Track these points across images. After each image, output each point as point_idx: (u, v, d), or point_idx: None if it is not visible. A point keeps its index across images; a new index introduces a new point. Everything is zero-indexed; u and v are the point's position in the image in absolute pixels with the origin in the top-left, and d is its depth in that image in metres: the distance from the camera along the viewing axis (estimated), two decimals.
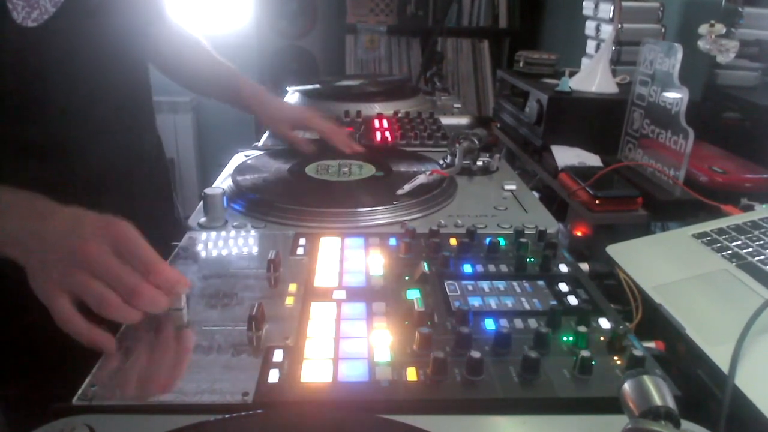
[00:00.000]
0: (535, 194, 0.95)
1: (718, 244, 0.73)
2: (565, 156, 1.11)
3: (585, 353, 0.48)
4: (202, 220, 0.78)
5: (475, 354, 0.48)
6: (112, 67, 0.77)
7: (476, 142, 1.01)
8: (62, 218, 0.54)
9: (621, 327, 0.54)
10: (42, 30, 0.66)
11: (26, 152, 0.71)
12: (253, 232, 0.75)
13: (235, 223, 0.77)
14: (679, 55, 0.95)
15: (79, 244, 0.51)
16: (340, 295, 0.60)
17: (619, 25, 1.27)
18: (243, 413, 0.43)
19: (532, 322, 0.56)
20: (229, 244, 0.72)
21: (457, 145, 0.99)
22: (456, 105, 1.51)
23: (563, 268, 0.67)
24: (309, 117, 1.05)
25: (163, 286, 0.52)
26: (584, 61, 1.44)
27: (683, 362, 0.57)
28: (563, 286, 0.63)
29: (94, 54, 0.73)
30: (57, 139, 0.73)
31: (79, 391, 0.46)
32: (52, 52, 0.68)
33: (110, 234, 0.52)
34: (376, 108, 1.36)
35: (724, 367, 0.52)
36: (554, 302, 0.60)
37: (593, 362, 0.49)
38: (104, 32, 0.74)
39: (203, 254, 0.69)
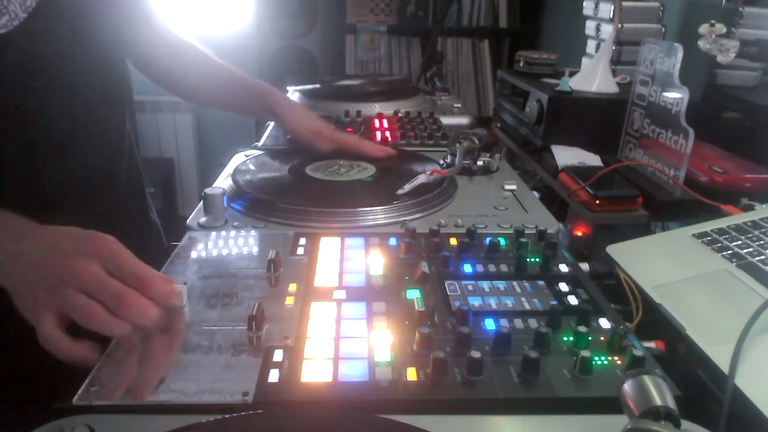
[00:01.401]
0: (536, 194, 0.94)
1: (719, 244, 0.73)
2: (565, 156, 1.11)
3: (585, 353, 0.48)
4: (202, 220, 0.78)
5: (475, 354, 0.48)
6: (88, 71, 0.75)
7: (476, 142, 1.01)
8: (41, 236, 0.53)
9: (621, 327, 0.54)
10: (11, 35, 0.64)
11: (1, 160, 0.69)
12: (253, 232, 0.75)
13: (235, 223, 0.77)
14: (680, 55, 0.95)
15: (65, 261, 0.49)
16: (340, 295, 0.60)
17: (620, 25, 1.27)
18: (243, 413, 0.43)
19: (533, 322, 0.56)
20: (229, 244, 0.72)
21: (457, 145, 0.99)
22: (456, 105, 1.51)
23: (563, 268, 0.67)
24: (333, 133, 1.01)
25: (156, 298, 0.51)
26: (584, 60, 1.44)
27: (683, 362, 0.57)
28: (563, 286, 0.63)
29: (67, 58, 0.71)
30: (31, 145, 0.70)
31: (79, 391, 0.46)
32: (23, 57, 0.66)
33: (95, 249, 0.50)
34: (376, 108, 1.36)
35: (724, 367, 0.52)
36: (554, 302, 0.60)
37: (593, 362, 0.49)
38: (78, 36, 0.72)
39: (203, 254, 0.69)
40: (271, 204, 0.80)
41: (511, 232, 0.74)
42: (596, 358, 0.50)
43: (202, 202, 0.78)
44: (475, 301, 0.59)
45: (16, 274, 0.51)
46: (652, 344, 0.57)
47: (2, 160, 0.69)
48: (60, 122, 0.73)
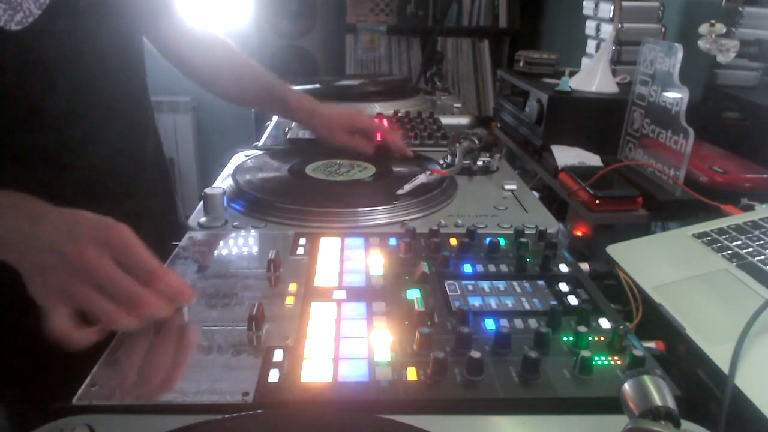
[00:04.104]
0: (535, 194, 0.94)
1: (718, 244, 0.73)
2: (565, 156, 1.11)
3: (585, 353, 0.48)
4: (202, 220, 0.78)
5: (475, 354, 0.48)
6: (105, 67, 0.76)
7: (476, 141, 1.01)
8: (56, 220, 0.52)
9: (621, 327, 0.54)
10: (27, 33, 0.64)
11: (22, 155, 0.70)
12: (253, 232, 0.75)
13: (235, 223, 0.77)
14: (680, 55, 0.95)
15: (76, 249, 0.49)
16: (340, 295, 0.60)
17: (620, 25, 1.27)
18: (243, 413, 0.43)
19: (533, 322, 0.56)
20: (229, 244, 0.72)
21: (457, 144, 0.99)
22: (456, 105, 1.51)
23: (563, 268, 0.67)
24: (363, 117, 1.02)
25: (165, 293, 0.51)
26: (584, 60, 1.44)
27: (683, 362, 0.57)
28: (563, 286, 0.63)
29: (85, 55, 0.72)
30: (53, 142, 0.71)
31: (79, 391, 0.46)
32: (39, 54, 0.67)
33: (108, 238, 0.50)
34: (376, 108, 1.36)
35: (724, 367, 0.52)
36: (554, 302, 0.60)
37: (593, 362, 0.49)
38: (94, 33, 0.72)
39: (203, 254, 0.69)
40: (271, 204, 0.80)
41: (511, 232, 0.74)
42: (596, 358, 0.50)
43: (202, 202, 0.78)
44: (475, 301, 0.59)
45: (29, 256, 0.51)
46: (652, 344, 0.57)
47: (26, 154, 0.70)
48: (82, 118, 0.74)
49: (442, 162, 0.98)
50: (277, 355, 0.50)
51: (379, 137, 1.00)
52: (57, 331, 0.49)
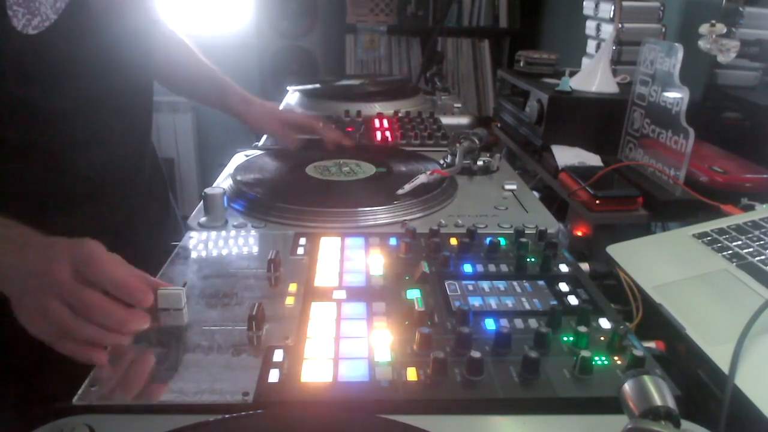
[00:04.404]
0: (536, 194, 0.95)
1: (719, 244, 0.73)
2: (566, 156, 1.11)
3: (585, 353, 0.48)
4: (202, 220, 0.78)
5: (475, 354, 0.48)
6: (114, 71, 0.77)
7: (476, 141, 1.01)
8: (36, 246, 0.53)
9: (621, 327, 0.54)
10: (43, 36, 0.65)
11: (23, 155, 0.70)
12: (253, 232, 0.75)
13: (235, 223, 0.77)
14: (680, 55, 0.95)
15: (46, 267, 0.50)
16: (340, 295, 0.60)
17: (620, 25, 1.27)
18: (243, 413, 0.43)
19: (533, 322, 0.56)
20: (229, 244, 0.72)
21: (458, 144, 0.99)
22: (456, 105, 1.51)
23: (563, 268, 0.67)
24: (295, 113, 1.08)
25: (128, 299, 0.51)
26: (584, 60, 1.44)
27: (683, 362, 0.57)
28: (563, 286, 0.63)
29: (95, 59, 0.72)
30: (55, 142, 0.72)
31: (79, 391, 0.46)
32: (53, 57, 0.67)
33: (75, 253, 0.51)
34: (376, 108, 1.36)
35: (724, 367, 0.52)
36: (554, 302, 0.60)
37: (593, 362, 0.49)
38: (106, 37, 0.73)
39: (203, 254, 0.69)
40: (271, 204, 0.80)
41: (511, 232, 0.74)
42: (596, 358, 0.50)
43: (202, 202, 0.79)
44: (475, 301, 0.59)
45: (16, 284, 0.52)
46: (652, 344, 0.57)
47: (27, 154, 0.70)
48: (85, 119, 0.74)
49: (442, 162, 0.98)
50: (277, 355, 0.50)
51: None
52: (57, 347, 0.50)
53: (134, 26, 0.80)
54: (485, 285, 0.62)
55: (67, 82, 0.70)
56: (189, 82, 1.06)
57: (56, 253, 0.51)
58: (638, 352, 0.49)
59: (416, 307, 0.56)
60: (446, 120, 1.33)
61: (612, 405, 0.42)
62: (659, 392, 0.39)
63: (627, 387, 0.40)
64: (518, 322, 0.56)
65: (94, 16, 0.71)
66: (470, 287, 0.62)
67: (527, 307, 0.59)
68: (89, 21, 0.70)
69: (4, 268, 0.53)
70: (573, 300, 0.60)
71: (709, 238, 0.75)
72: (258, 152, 1.05)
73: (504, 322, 0.56)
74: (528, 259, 0.66)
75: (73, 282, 0.50)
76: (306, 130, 1.05)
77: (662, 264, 0.72)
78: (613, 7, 1.27)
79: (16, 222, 0.56)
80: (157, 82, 1.02)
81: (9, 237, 0.55)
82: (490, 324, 0.55)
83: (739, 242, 0.72)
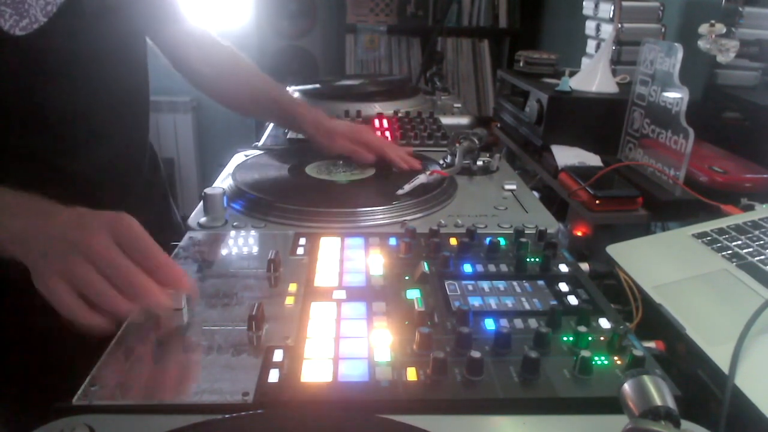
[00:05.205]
0: (535, 194, 0.94)
1: (718, 244, 0.73)
2: (565, 156, 1.11)
3: (585, 353, 0.48)
4: (202, 220, 0.78)
5: (475, 354, 0.48)
6: (110, 73, 0.77)
7: (476, 141, 1.01)
8: (67, 215, 0.53)
9: (621, 327, 0.54)
10: (30, 38, 0.65)
11: (20, 156, 0.70)
12: (253, 232, 0.75)
13: (235, 223, 0.77)
14: (680, 55, 0.95)
15: (84, 236, 0.50)
16: (340, 295, 0.60)
17: (619, 25, 1.27)
18: (243, 413, 0.43)
19: (532, 322, 0.56)
20: (229, 244, 0.72)
21: (457, 144, 0.99)
22: (456, 105, 1.51)
23: (563, 268, 0.67)
24: (368, 132, 0.99)
25: (164, 281, 0.51)
26: (584, 60, 1.44)
27: (683, 362, 0.57)
28: (563, 286, 0.62)
29: (90, 61, 0.72)
30: (52, 143, 0.72)
31: (79, 391, 0.46)
32: (44, 60, 0.67)
33: (116, 228, 0.51)
34: (376, 108, 1.36)
35: (724, 367, 0.52)
36: (554, 302, 0.59)
37: (593, 362, 0.49)
38: (99, 40, 0.73)
39: (203, 254, 0.69)
40: (271, 204, 0.80)
41: (511, 232, 0.74)
42: (596, 358, 0.50)
43: (202, 202, 0.78)
44: (475, 301, 0.59)
45: (38, 246, 0.52)
46: (652, 344, 0.57)
47: (25, 154, 0.70)
48: (83, 119, 0.74)
49: (442, 162, 0.98)
50: (277, 355, 0.50)
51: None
52: (65, 309, 0.49)
53: (130, 29, 0.79)
54: (485, 285, 0.62)
55: (59, 83, 0.70)
56: (252, 102, 1.02)
57: (93, 221, 0.51)
58: (638, 352, 0.49)
59: (416, 307, 0.56)
60: (446, 120, 1.33)
61: (612, 405, 0.42)
62: (659, 392, 0.39)
63: (627, 387, 0.40)
64: (518, 322, 0.56)
65: (87, 20, 0.70)
66: (470, 287, 0.62)
67: (527, 307, 0.59)
68: (83, 24, 0.70)
69: (31, 233, 0.53)
70: (573, 300, 0.60)
71: (708, 238, 0.75)
72: (258, 152, 1.05)
73: (504, 322, 0.56)
74: (528, 259, 0.66)
75: (114, 252, 0.50)
76: (375, 150, 0.96)
77: (662, 264, 0.72)
78: (612, 7, 1.27)
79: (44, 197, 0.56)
80: (210, 97, 1.00)
81: (39, 206, 0.55)
82: (489, 324, 0.55)
83: (739, 242, 0.72)
